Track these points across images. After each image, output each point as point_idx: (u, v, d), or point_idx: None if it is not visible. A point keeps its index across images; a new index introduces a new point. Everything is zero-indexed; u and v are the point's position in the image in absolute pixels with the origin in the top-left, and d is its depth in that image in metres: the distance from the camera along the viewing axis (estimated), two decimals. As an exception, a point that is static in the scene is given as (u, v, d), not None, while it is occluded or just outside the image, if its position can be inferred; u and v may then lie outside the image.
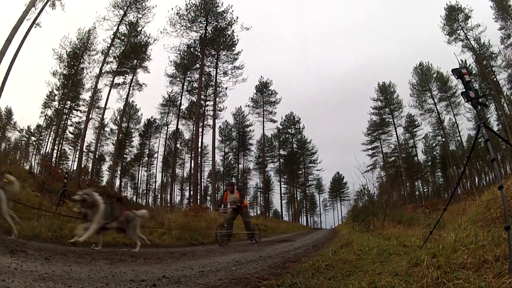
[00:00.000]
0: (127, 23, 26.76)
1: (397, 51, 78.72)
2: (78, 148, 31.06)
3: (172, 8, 27.75)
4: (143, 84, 29.56)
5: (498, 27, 28.18)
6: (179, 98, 32.85)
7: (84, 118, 28.05)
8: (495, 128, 29.09)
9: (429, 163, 41.39)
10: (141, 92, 31.02)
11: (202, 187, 38.20)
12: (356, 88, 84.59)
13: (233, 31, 28.46)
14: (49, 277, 2.42)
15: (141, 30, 27.67)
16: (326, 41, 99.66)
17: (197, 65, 29.19)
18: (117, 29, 25.99)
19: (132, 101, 34.55)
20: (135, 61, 28.21)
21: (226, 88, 30.67)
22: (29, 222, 5.41)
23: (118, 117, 33.87)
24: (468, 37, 28.80)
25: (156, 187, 42.63)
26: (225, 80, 30.17)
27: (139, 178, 42.07)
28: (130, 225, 5.21)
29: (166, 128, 38.12)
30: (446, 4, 30.04)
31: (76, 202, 4.82)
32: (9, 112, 38.18)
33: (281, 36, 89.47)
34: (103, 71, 25.84)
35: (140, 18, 27.10)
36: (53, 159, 29.65)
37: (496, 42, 28.16)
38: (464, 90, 2.90)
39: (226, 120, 41.76)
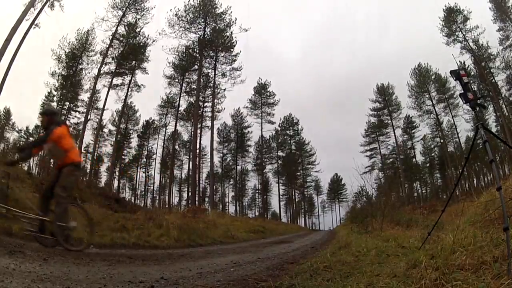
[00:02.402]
0: (125, 24, 26.80)
1: (396, 52, 78.91)
2: (77, 149, 30.96)
3: (170, 9, 27.88)
4: (142, 85, 29.63)
5: (496, 28, 28.40)
6: (178, 99, 32.85)
7: (83, 119, 28.01)
8: (494, 130, 29.16)
9: (428, 165, 41.49)
10: (140, 93, 31.08)
11: (201, 188, 38.12)
12: (355, 89, 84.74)
13: (231, 32, 28.55)
14: (47, 278, 2.41)
15: (139, 31, 27.75)
16: (326, 42, 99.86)
17: (196, 67, 29.21)
18: (116, 30, 26.04)
19: (130, 102, 34.51)
20: (134, 62, 28.23)
21: (224, 89, 30.72)
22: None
23: (117, 118, 33.86)
24: (467, 38, 28.89)
25: (155, 188, 42.59)
26: (224, 81, 30.23)
27: (137, 179, 42.00)
28: None
29: (164, 129, 38.19)
30: (445, 6, 30.18)
31: None
32: (7, 112, 38.09)
33: (280, 37, 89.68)
34: (101, 72, 25.90)
35: (138, 19, 27.19)
36: (52, 160, 29.52)
37: (495, 44, 28.34)
38: (462, 91, 2.90)
39: (224, 122, 41.76)
